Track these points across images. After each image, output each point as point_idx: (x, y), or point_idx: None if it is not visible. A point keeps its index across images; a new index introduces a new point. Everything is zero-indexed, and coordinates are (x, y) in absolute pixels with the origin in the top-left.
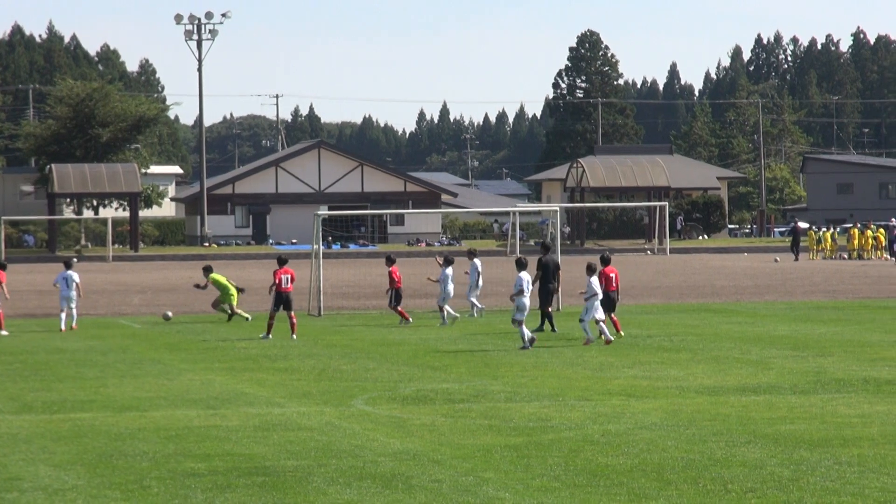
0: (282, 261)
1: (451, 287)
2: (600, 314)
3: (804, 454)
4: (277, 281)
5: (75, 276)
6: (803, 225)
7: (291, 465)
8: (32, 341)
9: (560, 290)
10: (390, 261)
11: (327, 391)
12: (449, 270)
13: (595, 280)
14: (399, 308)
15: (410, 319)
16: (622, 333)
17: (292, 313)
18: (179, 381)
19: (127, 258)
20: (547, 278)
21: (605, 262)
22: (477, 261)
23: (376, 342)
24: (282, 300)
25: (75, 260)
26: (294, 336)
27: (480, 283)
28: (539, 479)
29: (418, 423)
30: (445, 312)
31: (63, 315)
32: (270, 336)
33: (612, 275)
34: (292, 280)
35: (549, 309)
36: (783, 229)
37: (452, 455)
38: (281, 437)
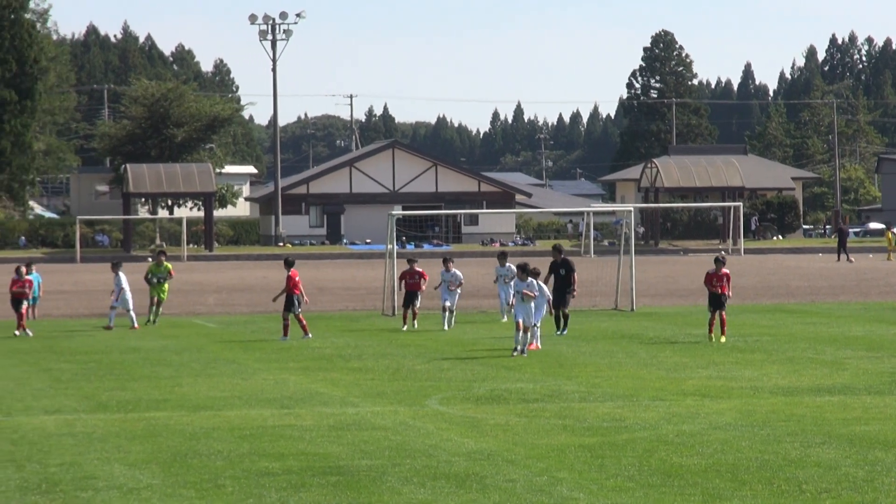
0: (289, 263)
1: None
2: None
3: (879, 455)
4: (291, 285)
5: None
6: (877, 226)
7: (365, 465)
8: (107, 340)
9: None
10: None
11: (401, 391)
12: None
13: (535, 282)
14: (298, 315)
15: (287, 338)
16: (724, 339)
17: (301, 316)
18: (254, 380)
19: (201, 258)
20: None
21: (721, 262)
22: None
23: (450, 342)
24: (293, 301)
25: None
26: (310, 335)
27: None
28: (613, 480)
29: (492, 423)
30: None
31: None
32: (288, 337)
33: (725, 277)
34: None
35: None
36: (857, 230)
37: (526, 455)
38: (355, 436)
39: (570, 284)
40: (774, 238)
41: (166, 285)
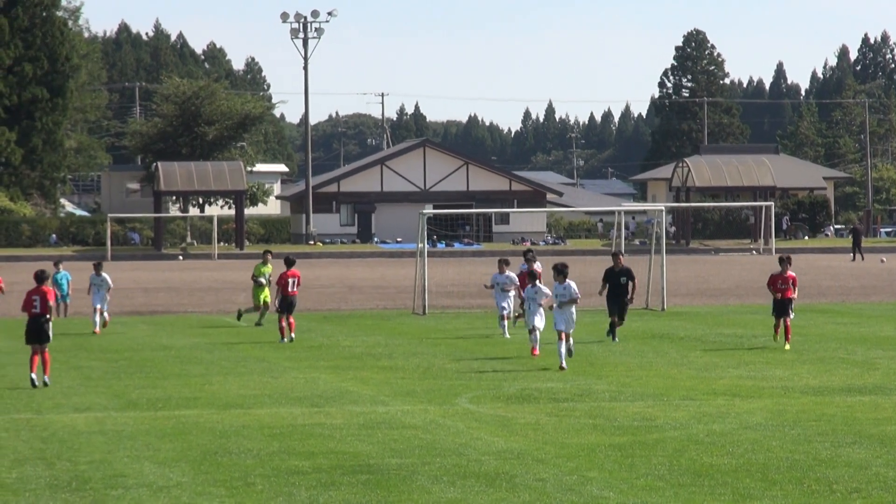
0: (289, 262)
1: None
2: (540, 323)
3: None
4: (283, 284)
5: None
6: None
7: (395, 464)
8: (137, 338)
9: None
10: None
11: (431, 389)
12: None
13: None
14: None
15: (286, 340)
16: (788, 346)
17: (291, 318)
18: (284, 378)
19: (232, 256)
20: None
21: (786, 262)
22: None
23: (480, 341)
24: (287, 304)
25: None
26: (293, 335)
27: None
28: (643, 479)
29: (522, 422)
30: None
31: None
32: (286, 339)
33: (791, 280)
34: (298, 283)
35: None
36: (889, 230)
37: (556, 454)
38: (385, 435)
39: (629, 293)
40: (805, 237)
41: (267, 289)
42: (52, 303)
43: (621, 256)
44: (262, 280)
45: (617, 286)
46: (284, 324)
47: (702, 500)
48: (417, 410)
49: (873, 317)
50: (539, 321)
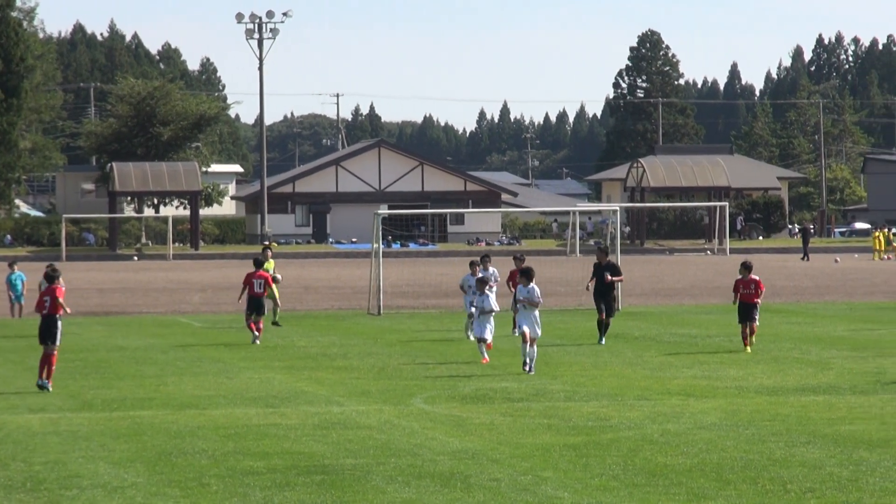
0: (258, 263)
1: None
2: (488, 334)
3: (863, 455)
4: (250, 284)
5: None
6: (863, 226)
7: (350, 464)
8: (92, 339)
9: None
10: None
11: (386, 390)
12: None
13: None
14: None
15: (257, 341)
16: (749, 349)
17: (260, 320)
18: (239, 379)
19: (187, 256)
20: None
21: (748, 269)
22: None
23: (435, 341)
24: (255, 305)
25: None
26: (258, 341)
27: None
28: (598, 479)
29: (477, 422)
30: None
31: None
32: (257, 340)
33: (755, 283)
34: (267, 284)
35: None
36: (843, 230)
37: (511, 454)
38: (340, 435)
39: (614, 289)
40: (760, 238)
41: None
42: (61, 299)
43: (606, 252)
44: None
45: (601, 282)
46: (253, 325)
47: (656, 500)
48: (372, 411)
49: (827, 317)
50: (489, 333)
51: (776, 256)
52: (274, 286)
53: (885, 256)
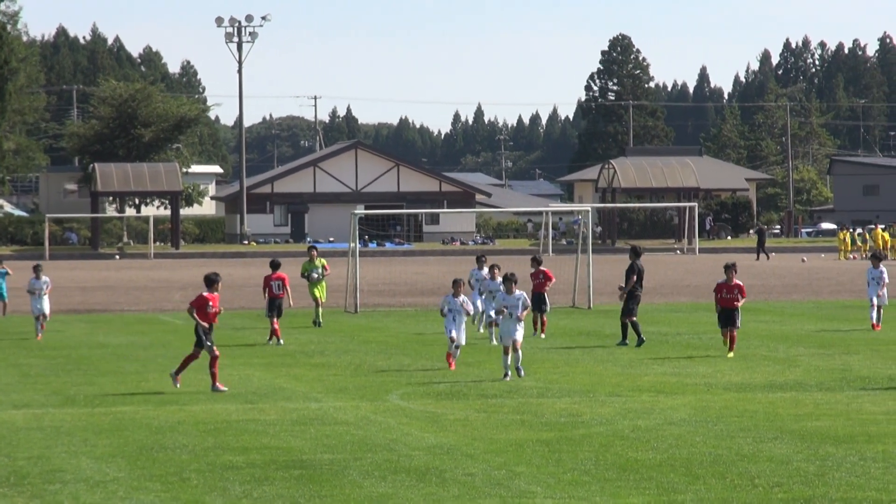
0: (274, 265)
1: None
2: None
3: (830, 450)
4: (268, 287)
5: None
6: (829, 226)
7: (328, 459)
8: (75, 336)
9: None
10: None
11: (363, 386)
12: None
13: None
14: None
15: (277, 342)
16: (731, 355)
17: (276, 321)
18: (219, 376)
19: (168, 255)
20: (637, 285)
21: (731, 270)
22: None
23: (411, 339)
24: (275, 306)
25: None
26: (281, 340)
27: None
28: (570, 474)
29: (452, 418)
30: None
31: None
32: (279, 341)
33: (738, 288)
34: (285, 285)
35: (635, 318)
36: (809, 230)
37: (485, 449)
38: (317, 431)
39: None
40: (728, 237)
41: (324, 283)
42: None
43: (639, 253)
44: (315, 274)
45: (639, 282)
46: (276, 326)
47: (627, 495)
48: (349, 407)
49: (794, 315)
50: (462, 336)
51: (745, 256)
52: (321, 285)
53: (851, 256)
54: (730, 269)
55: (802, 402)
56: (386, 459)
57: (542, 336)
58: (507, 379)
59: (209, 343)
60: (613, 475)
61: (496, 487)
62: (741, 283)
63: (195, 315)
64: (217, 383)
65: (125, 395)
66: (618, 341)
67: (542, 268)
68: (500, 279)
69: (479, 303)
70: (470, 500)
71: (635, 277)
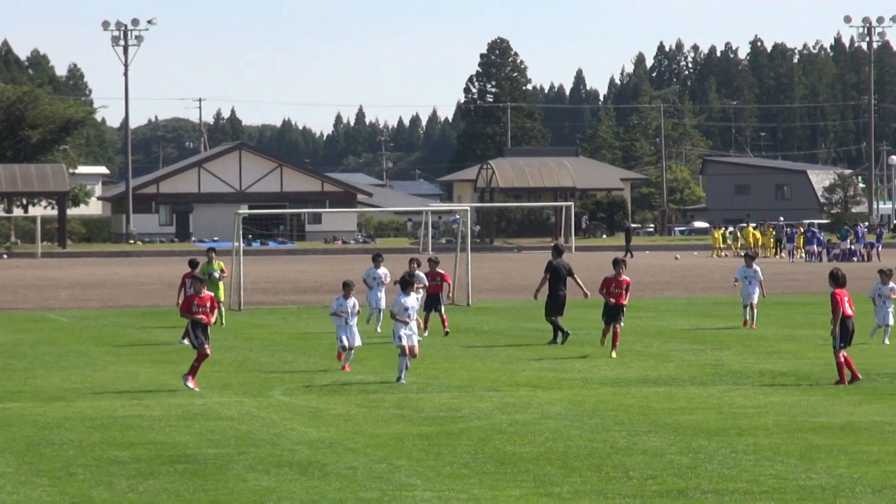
0: (193, 264)
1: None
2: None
3: (702, 443)
4: (183, 286)
5: None
6: (701, 224)
7: (212, 453)
8: None
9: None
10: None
11: (247, 382)
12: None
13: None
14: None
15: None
16: (615, 354)
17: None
18: (105, 372)
19: (55, 255)
20: (557, 284)
21: (621, 265)
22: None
23: (294, 336)
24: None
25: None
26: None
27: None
28: (449, 467)
29: (334, 413)
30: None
31: None
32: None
33: (625, 284)
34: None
35: (559, 318)
36: (683, 228)
37: (366, 443)
38: (202, 426)
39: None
40: (603, 236)
41: (221, 284)
42: None
43: (561, 251)
44: (216, 275)
45: (558, 282)
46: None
47: (505, 487)
48: (233, 402)
49: (667, 311)
50: (356, 339)
51: (619, 253)
52: (219, 286)
53: (723, 254)
54: (619, 264)
55: (676, 396)
56: (269, 454)
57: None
58: (404, 382)
59: (200, 340)
60: (492, 468)
61: (377, 481)
62: (629, 280)
63: (188, 315)
64: (191, 380)
65: (12, 391)
66: (548, 340)
67: (439, 269)
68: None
69: (375, 302)
70: (351, 492)
71: (548, 276)
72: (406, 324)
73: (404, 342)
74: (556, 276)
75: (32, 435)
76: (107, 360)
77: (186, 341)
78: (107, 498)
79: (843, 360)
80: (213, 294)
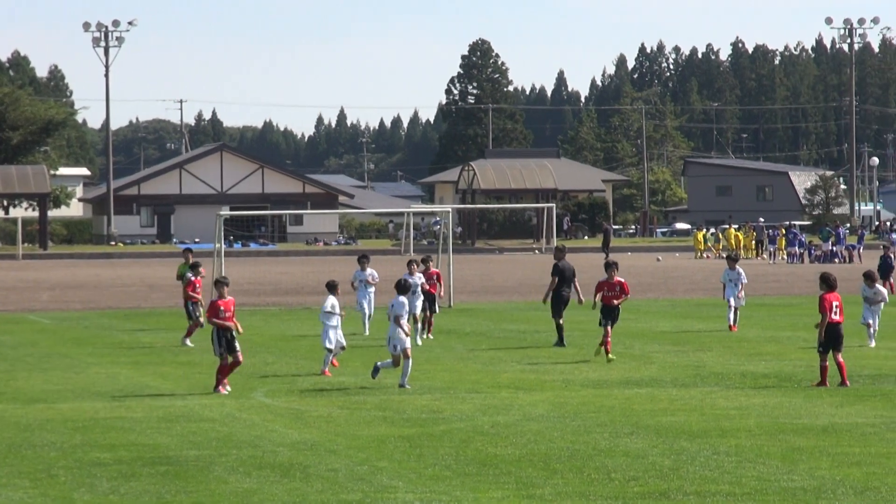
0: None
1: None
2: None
3: (684, 444)
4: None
5: None
6: (683, 226)
7: (193, 455)
8: None
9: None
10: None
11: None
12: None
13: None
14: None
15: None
16: (612, 356)
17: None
18: (86, 374)
19: (36, 256)
20: (562, 286)
21: (613, 268)
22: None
23: (275, 337)
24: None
25: None
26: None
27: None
28: (431, 469)
29: (315, 415)
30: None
31: None
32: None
33: (619, 286)
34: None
35: (561, 321)
36: (664, 230)
37: (348, 445)
38: (184, 427)
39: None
40: (585, 237)
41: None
42: None
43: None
44: (189, 275)
45: (562, 284)
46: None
47: (487, 489)
48: (215, 404)
49: (650, 313)
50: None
51: (601, 255)
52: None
53: (705, 255)
54: (611, 267)
55: (658, 397)
56: (251, 455)
57: (430, 336)
58: (408, 386)
59: (221, 350)
60: (473, 470)
61: (359, 482)
62: (624, 281)
63: (214, 321)
64: (220, 389)
65: None
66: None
67: (433, 270)
68: (418, 276)
69: (365, 304)
70: (333, 494)
71: (556, 279)
72: (403, 329)
73: (398, 351)
74: (563, 278)
75: (13, 437)
76: (88, 361)
77: (189, 342)
78: (88, 500)
79: (827, 363)
80: (233, 299)
